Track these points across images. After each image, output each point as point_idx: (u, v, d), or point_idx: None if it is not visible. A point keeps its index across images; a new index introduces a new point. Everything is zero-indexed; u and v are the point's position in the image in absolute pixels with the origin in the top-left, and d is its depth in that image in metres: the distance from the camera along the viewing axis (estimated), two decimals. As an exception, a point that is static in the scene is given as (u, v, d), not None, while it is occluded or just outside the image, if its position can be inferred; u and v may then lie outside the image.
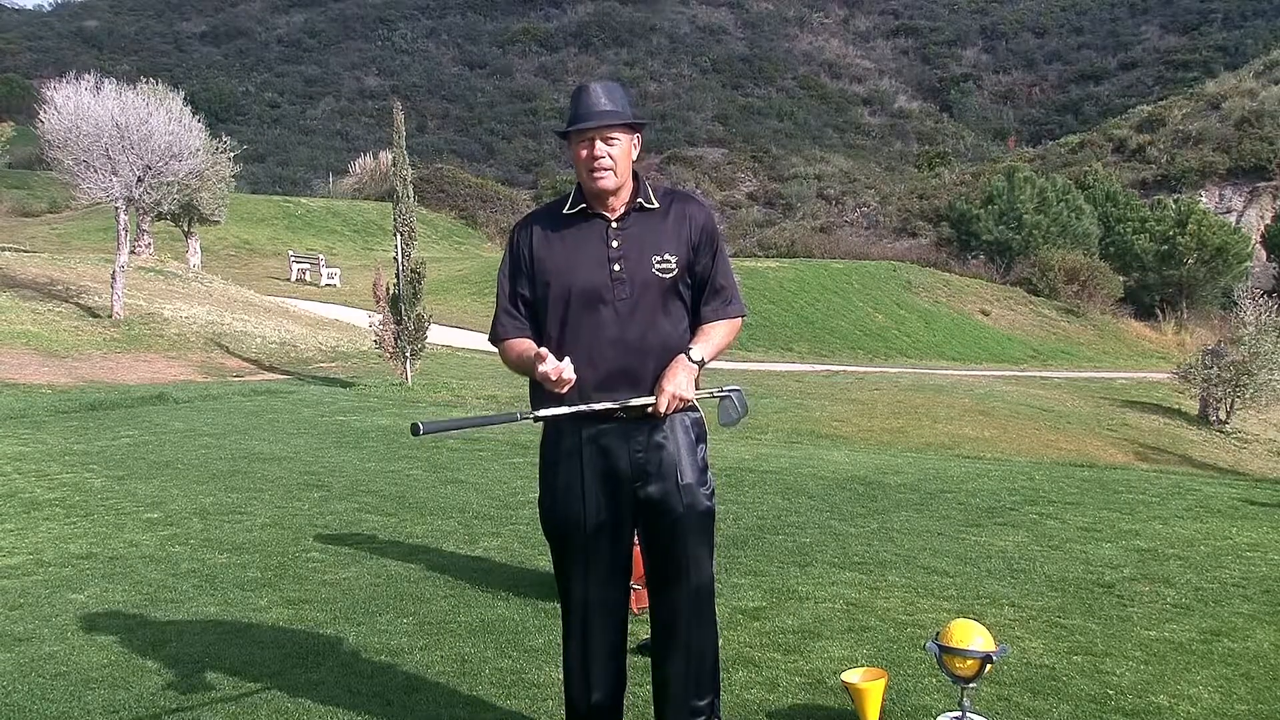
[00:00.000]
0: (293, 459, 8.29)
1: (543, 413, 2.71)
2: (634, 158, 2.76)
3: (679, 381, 2.67)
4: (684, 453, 2.75)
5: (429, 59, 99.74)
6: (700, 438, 2.82)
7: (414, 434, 2.67)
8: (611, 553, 2.78)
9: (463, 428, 2.87)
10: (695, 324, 2.81)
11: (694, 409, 2.80)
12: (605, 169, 2.68)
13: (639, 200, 2.77)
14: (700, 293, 2.81)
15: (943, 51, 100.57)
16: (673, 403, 2.66)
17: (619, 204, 2.76)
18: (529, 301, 2.79)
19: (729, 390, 2.85)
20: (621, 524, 2.77)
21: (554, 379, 2.60)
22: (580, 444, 2.73)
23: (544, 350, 2.62)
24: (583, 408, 2.67)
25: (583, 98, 2.72)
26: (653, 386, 2.70)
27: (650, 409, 2.68)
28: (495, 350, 2.87)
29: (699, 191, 60.21)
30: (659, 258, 2.72)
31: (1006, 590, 4.67)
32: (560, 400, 2.69)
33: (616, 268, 2.71)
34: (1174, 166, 48.88)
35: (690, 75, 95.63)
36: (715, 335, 2.79)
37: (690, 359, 2.71)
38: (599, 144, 2.68)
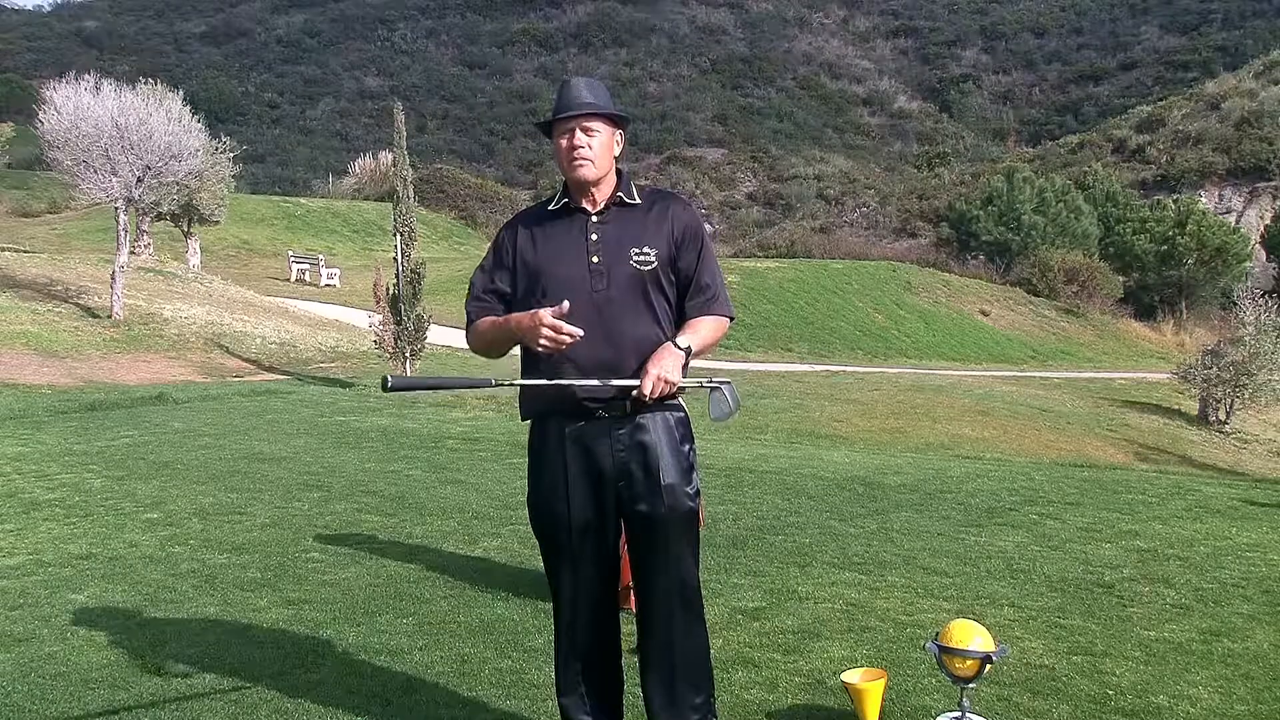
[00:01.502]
0: (292, 459, 8.29)
1: (520, 381, 2.70)
2: (616, 153, 2.79)
3: (665, 365, 2.64)
4: (667, 452, 2.73)
5: (429, 59, 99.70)
6: (685, 437, 2.80)
7: (384, 389, 2.69)
8: (597, 551, 2.78)
9: (433, 387, 2.88)
10: (681, 323, 2.80)
11: (680, 408, 2.79)
12: (584, 159, 2.71)
13: (620, 195, 2.80)
14: (685, 291, 2.81)
15: (942, 52, 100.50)
16: (658, 385, 2.62)
17: (601, 198, 2.78)
18: (504, 295, 2.81)
19: (719, 382, 2.80)
20: (606, 522, 2.77)
21: (563, 333, 2.56)
22: (564, 442, 2.73)
23: (541, 312, 2.58)
24: (565, 382, 2.65)
25: (565, 91, 2.76)
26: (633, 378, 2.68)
27: (635, 391, 2.65)
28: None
29: (699, 192, 60.33)
30: (638, 251, 2.73)
31: (1006, 590, 4.68)
32: (548, 399, 2.69)
33: (595, 260, 2.72)
34: (1174, 167, 48.89)
35: (690, 75, 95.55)
36: (702, 328, 2.78)
37: (677, 346, 2.70)
38: (578, 134, 2.71)
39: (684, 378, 2.71)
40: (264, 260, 34.05)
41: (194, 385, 14.28)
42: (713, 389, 2.80)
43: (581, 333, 2.59)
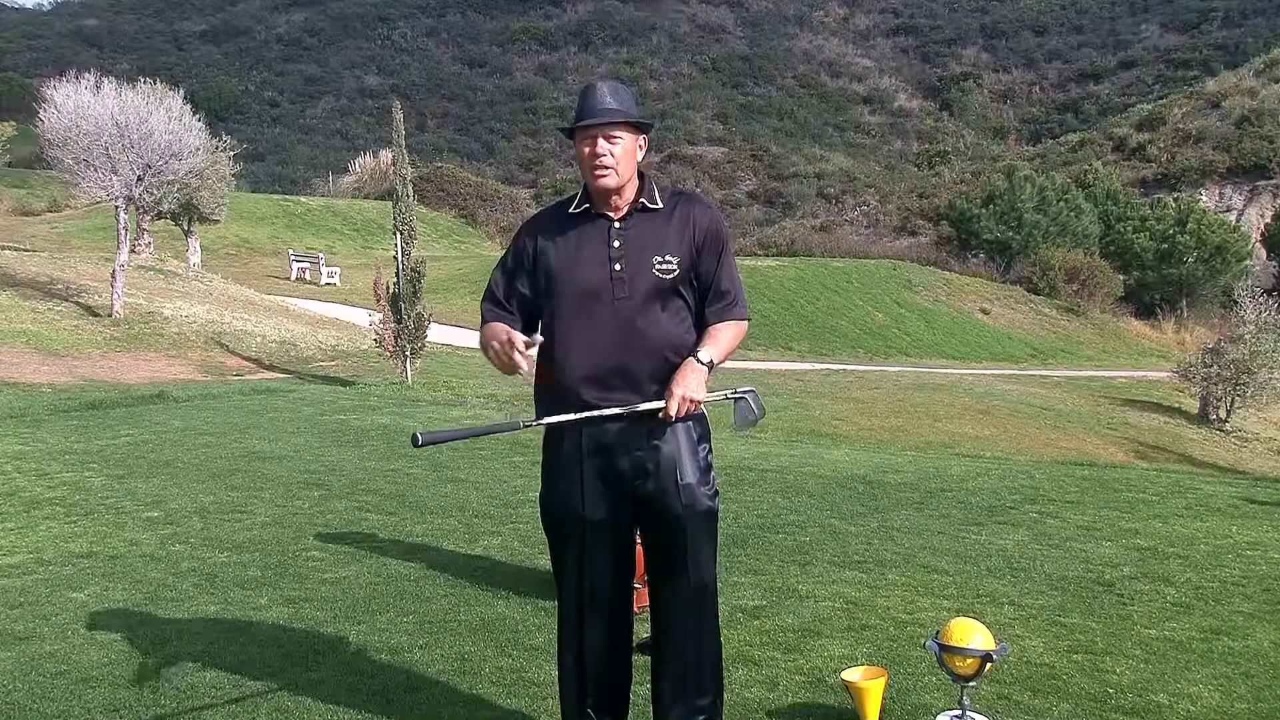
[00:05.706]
0: (293, 458, 8.28)
1: (546, 420, 2.69)
2: (639, 159, 2.77)
3: (689, 384, 2.66)
4: (684, 452, 2.74)
5: (429, 58, 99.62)
6: (703, 437, 2.81)
7: (414, 445, 2.67)
8: (610, 550, 2.78)
9: (463, 438, 2.87)
10: (700, 326, 2.80)
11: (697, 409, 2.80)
12: (607, 167, 2.69)
13: (642, 200, 2.78)
14: (705, 295, 2.81)
15: (943, 50, 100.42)
16: (683, 406, 2.64)
17: (623, 204, 2.77)
18: (524, 299, 2.80)
19: (743, 392, 2.82)
20: (621, 522, 2.77)
21: (521, 352, 2.61)
22: (581, 442, 2.73)
23: (516, 334, 2.65)
24: (588, 414, 2.66)
25: (588, 96, 2.73)
26: (649, 385, 2.69)
27: (660, 414, 2.66)
28: None
29: (699, 191, 60.24)
30: (660, 259, 2.73)
31: (1006, 589, 4.67)
32: (563, 406, 2.69)
33: (617, 267, 2.71)
34: (1174, 165, 48.85)
35: (690, 74, 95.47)
36: (723, 337, 2.78)
37: (699, 361, 2.70)
38: (601, 142, 2.69)
39: (707, 392, 2.71)
40: (264, 259, 34.03)
41: (194, 384, 14.27)
42: (737, 399, 2.81)
43: (526, 366, 2.63)
